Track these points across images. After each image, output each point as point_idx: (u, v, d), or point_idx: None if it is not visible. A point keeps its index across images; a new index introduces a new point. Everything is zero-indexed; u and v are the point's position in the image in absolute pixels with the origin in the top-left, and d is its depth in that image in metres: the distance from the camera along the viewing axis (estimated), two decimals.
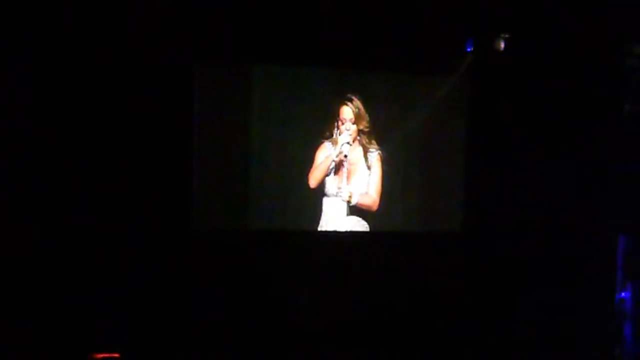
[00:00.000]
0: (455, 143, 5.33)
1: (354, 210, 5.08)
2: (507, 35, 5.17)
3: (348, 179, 5.02)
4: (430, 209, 5.32)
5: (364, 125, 5.03)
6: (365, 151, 5.07)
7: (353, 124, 4.99)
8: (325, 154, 5.04)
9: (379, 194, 5.12)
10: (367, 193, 5.09)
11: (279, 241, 5.07)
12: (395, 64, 5.09)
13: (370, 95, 5.08)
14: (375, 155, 5.10)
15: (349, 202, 5.04)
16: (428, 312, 5.20)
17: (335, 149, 5.01)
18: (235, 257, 4.99)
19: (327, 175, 5.04)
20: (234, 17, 4.88)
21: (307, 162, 5.07)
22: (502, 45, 5.18)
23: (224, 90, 5.01)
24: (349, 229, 5.06)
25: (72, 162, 4.70)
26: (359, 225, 5.10)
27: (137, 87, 4.77)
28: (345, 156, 4.96)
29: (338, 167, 5.02)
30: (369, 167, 5.08)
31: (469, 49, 5.22)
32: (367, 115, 5.02)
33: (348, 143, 4.97)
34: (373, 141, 5.09)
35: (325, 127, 5.07)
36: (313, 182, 5.03)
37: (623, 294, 5.35)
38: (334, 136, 5.03)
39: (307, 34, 4.94)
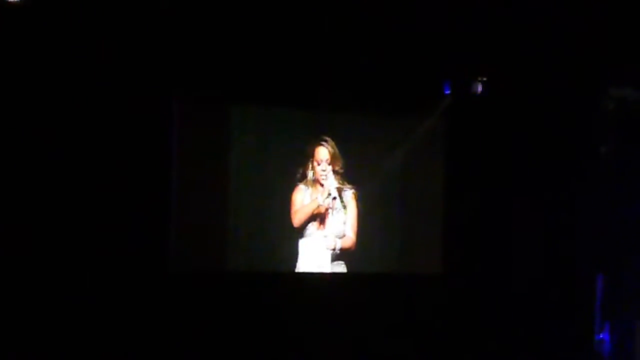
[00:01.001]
0: (433, 184, 5.38)
1: (334, 254, 5.15)
2: (484, 79, 5.23)
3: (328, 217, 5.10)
4: (409, 251, 5.36)
5: (339, 166, 5.08)
6: (340, 191, 5.08)
7: (329, 164, 5.01)
8: (303, 196, 5.08)
9: (356, 233, 5.16)
10: (344, 235, 5.14)
11: (256, 282, 5.05)
12: (374, 106, 5.16)
13: (347, 137, 5.17)
14: (349, 194, 5.17)
15: (333, 250, 5.08)
16: (408, 355, 5.17)
17: (309, 188, 5.08)
18: (212, 299, 4.98)
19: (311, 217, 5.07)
20: (214, 56, 4.95)
21: (285, 203, 5.11)
22: (479, 88, 5.24)
23: (202, 132, 5.06)
24: (327, 269, 5.10)
25: (50, 202, 4.68)
26: (336, 265, 5.14)
27: (116, 126, 4.80)
28: (335, 198, 5.03)
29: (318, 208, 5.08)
30: (344, 207, 5.09)
31: (446, 92, 5.27)
32: (341, 156, 5.05)
33: (333, 183, 5.03)
34: (345, 181, 5.10)
35: (301, 169, 5.12)
36: (297, 222, 5.08)
37: (602, 335, 5.36)
38: (308, 177, 5.06)
39: (284, 75, 5.04)
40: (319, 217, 5.07)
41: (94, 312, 4.71)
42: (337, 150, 5.07)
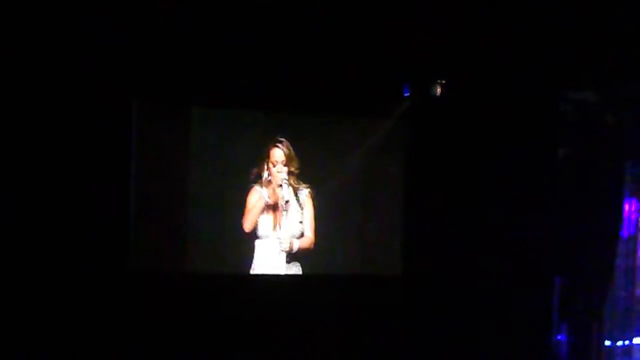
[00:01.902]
0: (393, 186, 5.40)
1: (291, 254, 5.13)
2: (443, 81, 5.25)
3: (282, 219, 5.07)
4: (369, 252, 5.36)
5: (294, 167, 5.08)
6: (295, 191, 5.10)
7: (284, 165, 5.02)
8: (257, 198, 5.06)
9: (314, 232, 5.16)
10: (303, 235, 5.14)
11: (215, 284, 5.05)
12: (331, 108, 5.19)
13: (304, 138, 5.17)
14: (305, 193, 5.16)
15: (290, 251, 5.08)
16: (364, 358, 5.18)
17: (264, 190, 5.08)
18: (171, 300, 4.97)
19: (259, 216, 5.08)
20: (174, 57, 4.95)
21: (242, 205, 5.10)
22: (439, 90, 5.26)
23: (161, 133, 5.06)
24: (283, 271, 5.08)
25: (7, 201, 4.66)
26: (292, 267, 5.13)
27: (74, 126, 4.79)
28: (287, 201, 5.02)
29: (273, 209, 5.06)
30: (301, 207, 5.12)
31: (405, 94, 5.29)
32: (296, 157, 5.07)
33: (286, 184, 5.02)
34: (301, 181, 5.14)
35: (255, 169, 5.13)
36: (248, 225, 5.06)
37: (559, 336, 5.40)
38: (263, 178, 5.07)
39: (241, 76, 5.04)
40: (273, 218, 5.07)
41: (51, 311, 4.69)
42: (292, 151, 5.07)
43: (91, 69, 4.77)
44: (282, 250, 5.08)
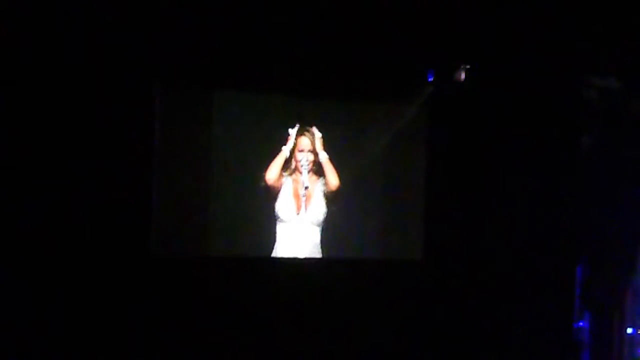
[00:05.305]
0: (415, 172, 5.38)
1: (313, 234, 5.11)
2: (467, 67, 5.22)
3: (306, 205, 5.05)
4: (390, 237, 5.35)
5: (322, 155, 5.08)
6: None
7: (310, 152, 5.04)
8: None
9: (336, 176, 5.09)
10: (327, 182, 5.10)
11: (236, 267, 5.04)
12: (355, 93, 5.17)
13: (326, 123, 5.15)
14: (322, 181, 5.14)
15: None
16: (384, 343, 5.18)
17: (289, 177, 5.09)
18: (193, 283, 4.96)
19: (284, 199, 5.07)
20: (197, 40, 4.90)
21: (264, 190, 5.09)
22: (462, 76, 5.23)
23: (184, 117, 5.05)
24: (304, 255, 5.08)
25: (30, 182, 4.67)
26: (314, 251, 5.12)
27: (97, 110, 4.77)
28: (307, 187, 4.99)
29: (295, 195, 5.07)
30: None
31: (429, 79, 5.26)
32: (324, 145, 5.09)
33: (306, 170, 5.02)
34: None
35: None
36: (269, 172, 5.02)
37: (581, 323, 5.39)
38: (292, 166, 5.11)
39: (267, 61, 5.02)
40: (296, 203, 5.06)
41: (73, 295, 4.69)
42: (320, 140, 5.07)
43: (113, 53, 4.77)
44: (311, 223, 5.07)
